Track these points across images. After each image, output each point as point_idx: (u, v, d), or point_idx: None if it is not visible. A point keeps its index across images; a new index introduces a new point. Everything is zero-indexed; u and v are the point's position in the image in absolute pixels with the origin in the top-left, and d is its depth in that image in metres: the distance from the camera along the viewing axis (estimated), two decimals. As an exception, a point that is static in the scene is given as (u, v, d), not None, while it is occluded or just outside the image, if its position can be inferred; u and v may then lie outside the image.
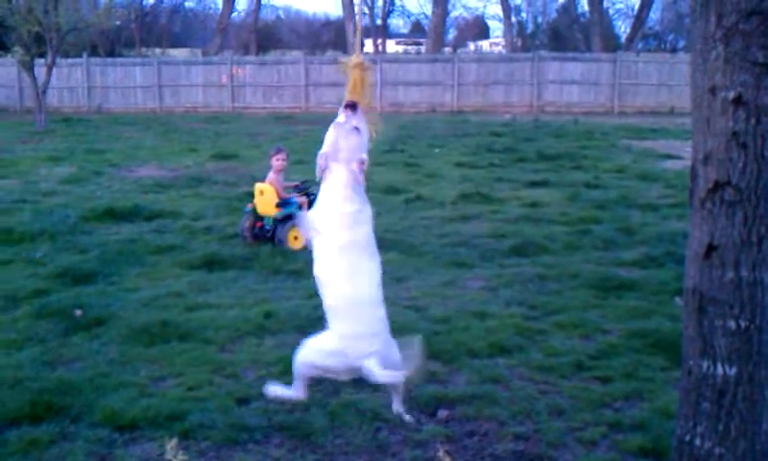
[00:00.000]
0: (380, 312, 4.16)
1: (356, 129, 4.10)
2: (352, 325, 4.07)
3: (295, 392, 4.35)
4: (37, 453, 4.09)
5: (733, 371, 2.89)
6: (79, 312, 6.25)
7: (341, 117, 4.12)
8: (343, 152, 4.06)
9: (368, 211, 4.18)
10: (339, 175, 4.07)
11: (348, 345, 4.05)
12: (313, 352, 4.19)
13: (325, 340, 4.17)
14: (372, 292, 4.14)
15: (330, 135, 4.11)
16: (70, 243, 8.72)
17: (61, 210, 10.51)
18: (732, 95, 2.76)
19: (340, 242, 4.06)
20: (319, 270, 4.15)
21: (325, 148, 4.09)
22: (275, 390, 4.46)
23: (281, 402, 4.58)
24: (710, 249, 2.89)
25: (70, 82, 32.68)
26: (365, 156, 4.09)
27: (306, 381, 4.32)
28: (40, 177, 14.06)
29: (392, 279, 6.54)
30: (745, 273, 2.83)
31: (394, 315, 5.53)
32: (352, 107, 4.10)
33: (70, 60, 32.02)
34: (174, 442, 4.14)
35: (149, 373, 5.15)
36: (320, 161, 4.10)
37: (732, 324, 2.87)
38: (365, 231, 4.13)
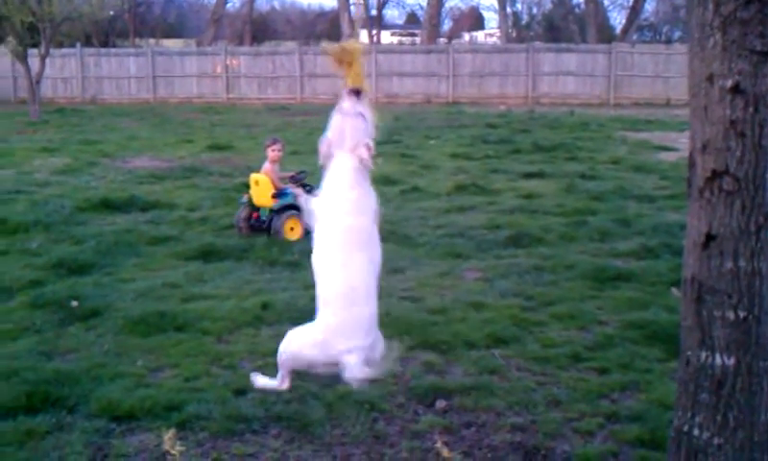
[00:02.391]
0: (371, 308, 3.98)
1: (361, 115, 4.02)
2: (340, 316, 3.90)
3: (279, 382, 4.29)
4: (34, 444, 4.09)
5: (732, 361, 2.89)
6: (75, 303, 6.24)
7: (345, 103, 4.03)
8: (348, 138, 3.97)
9: (372, 200, 4.06)
10: (344, 161, 3.98)
11: (333, 337, 3.89)
12: (296, 343, 4.08)
13: (310, 331, 4.04)
14: (365, 286, 3.96)
15: (336, 122, 4.02)
16: (65, 234, 8.70)
17: (56, 201, 10.48)
18: (729, 83, 2.75)
19: (340, 228, 3.94)
20: (315, 257, 4.08)
21: (330, 134, 4.02)
22: (260, 381, 4.43)
23: (277, 393, 4.59)
24: (709, 238, 2.88)
25: (64, 72, 32.54)
26: (371, 141, 4.01)
27: (290, 372, 4.25)
28: (35, 167, 14.01)
29: (388, 271, 6.49)
30: (743, 262, 2.83)
31: (389, 306, 5.55)
32: (357, 93, 4.01)
33: (64, 51, 31.89)
34: (171, 432, 4.13)
35: (146, 363, 5.15)
36: (322, 148, 4.04)
37: (730, 314, 2.87)
38: (366, 221, 4.00)
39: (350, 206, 3.96)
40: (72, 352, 5.35)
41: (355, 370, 3.87)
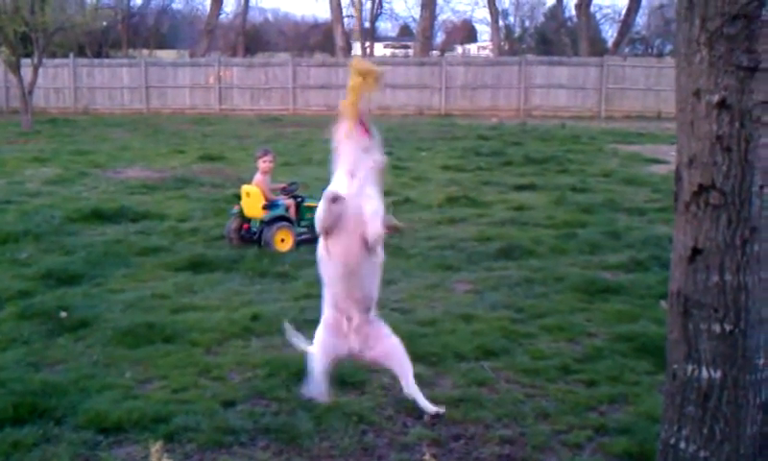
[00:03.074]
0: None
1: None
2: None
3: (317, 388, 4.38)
4: (20, 456, 4.06)
5: (718, 374, 2.90)
6: (64, 314, 6.21)
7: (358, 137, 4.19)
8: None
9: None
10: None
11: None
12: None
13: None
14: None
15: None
16: (55, 244, 8.68)
17: (47, 211, 10.45)
18: (716, 99, 2.77)
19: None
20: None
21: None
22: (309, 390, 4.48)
23: (266, 405, 4.58)
24: (695, 252, 2.90)
25: (56, 82, 32.52)
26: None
27: (323, 376, 4.34)
28: (26, 177, 13.98)
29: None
30: (729, 276, 2.84)
31: (380, 317, 5.53)
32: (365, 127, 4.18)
33: (57, 61, 31.83)
34: (158, 445, 4.11)
35: (134, 375, 5.12)
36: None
37: (716, 327, 2.88)
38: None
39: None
40: (60, 364, 5.32)
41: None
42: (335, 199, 4.01)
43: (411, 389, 4.48)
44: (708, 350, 2.91)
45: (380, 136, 4.30)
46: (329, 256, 4.19)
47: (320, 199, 4.23)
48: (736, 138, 2.76)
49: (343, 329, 4.34)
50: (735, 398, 2.91)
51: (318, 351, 4.39)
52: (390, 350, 4.43)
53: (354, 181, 4.15)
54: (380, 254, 4.26)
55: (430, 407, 4.49)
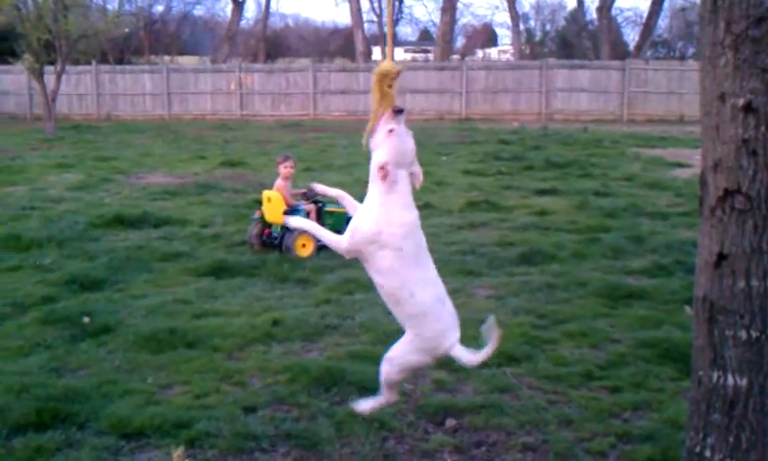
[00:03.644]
0: (450, 303, 4.14)
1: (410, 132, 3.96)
2: (437, 323, 4.00)
3: (387, 397, 4.13)
4: (43, 460, 4.08)
5: (744, 381, 2.86)
6: (86, 319, 6.25)
7: (391, 123, 3.94)
8: (403, 156, 3.90)
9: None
10: (402, 182, 3.92)
11: (437, 341, 4.00)
12: (401, 359, 4.03)
13: (409, 346, 4.02)
14: (443, 288, 4.11)
15: (390, 143, 3.86)
16: (78, 250, 8.74)
17: (70, 217, 10.54)
18: (741, 102, 2.73)
19: (412, 250, 3.97)
20: (390, 283, 3.97)
21: (388, 157, 3.85)
22: (366, 405, 4.20)
23: (287, 411, 4.58)
24: (721, 258, 2.86)
25: (79, 89, 32.86)
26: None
27: (398, 386, 4.18)
28: (49, 184, 14.11)
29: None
30: (756, 282, 2.80)
31: (401, 324, 5.51)
32: (400, 112, 3.94)
33: (79, 68, 32.16)
34: (180, 450, 4.12)
35: (156, 380, 5.14)
36: (384, 171, 3.85)
37: (742, 334, 2.83)
38: (422, 234, 4.08)
39: (415, 226, 3.99)
40: (83, 369, 5.35)
41: (470, 357, 4.04)
42: None
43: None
44: (734, 356, 2.86)
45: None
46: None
47: (341, 204, 4.20)
48: (762, 142, 2.72)
49: None
50: (762, 405, 2.87)
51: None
52: None
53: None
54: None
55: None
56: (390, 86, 3.91)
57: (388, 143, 3.84)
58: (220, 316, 6.45)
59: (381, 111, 3.88)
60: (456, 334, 4.04)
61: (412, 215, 3.98)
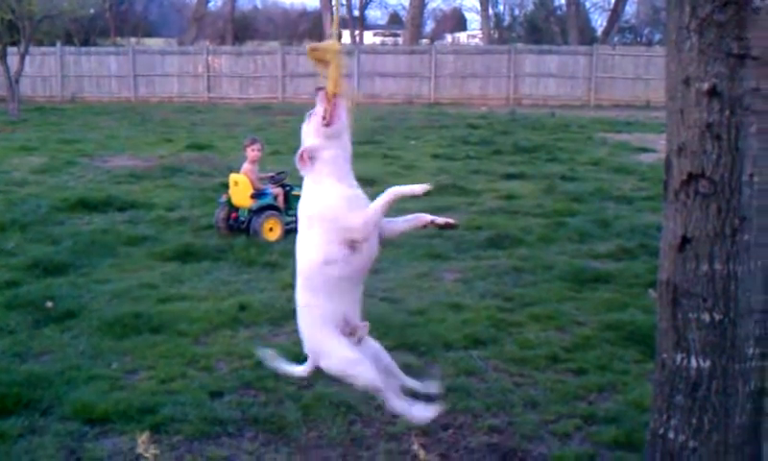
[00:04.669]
0: None
1: (318, 116, 3.80)
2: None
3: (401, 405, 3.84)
4: (6, 447, 4.02)
5: (707, 364, 2.89)
6: (50, 304, 6.16)
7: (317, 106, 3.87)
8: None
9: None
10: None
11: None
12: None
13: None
14: None
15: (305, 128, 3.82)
16: (41, 234, 8.61)
17: (33, 200, 10.37)
18: (706, 86, 2.75)
19: None
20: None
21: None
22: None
23: (254, 395, 4.57)
24: (684, 241, 2.88)
25: (43, 71, 32.29)
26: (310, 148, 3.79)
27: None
28: (12, 166, 13.86)
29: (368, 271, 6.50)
30: (719, 266, 2.83)
31: (369, 307, 5.50)
32: (329, 94, 3.84)
33: (44, 49, 31.61)
34: (145, 435, 4.10)
35: (120, 365, 5.09)
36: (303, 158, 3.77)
37: (705, 316, 2.87)
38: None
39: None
40: (46, 354, 5.28)
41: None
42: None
43: (407, 380, 4.12)
44: (698, 339, 2.90)
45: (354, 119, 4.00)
46: (351, 266, 3.75)
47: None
48: (726, 126, 2.74)
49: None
50: (724, 387, 2.90)
51: (357, 357, 3.75)
52: (378, 348, 4.04)
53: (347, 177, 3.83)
54: None
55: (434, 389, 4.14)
56: (326, 65, 3.82)
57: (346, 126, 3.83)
58: (186, 301, 6.40)
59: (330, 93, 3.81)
60: None
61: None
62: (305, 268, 3.80)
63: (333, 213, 3.69)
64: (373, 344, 3.99)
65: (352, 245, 3.72)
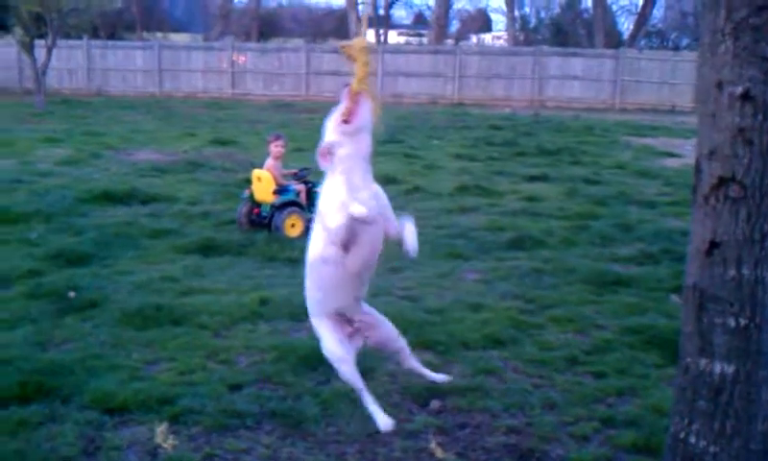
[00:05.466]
0: None
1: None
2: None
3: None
4: (26, 434, 4.05)
5: (731, 369, 2.86)
6: (72, 294, 6.21)
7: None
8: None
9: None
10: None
11: None
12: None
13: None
14: None
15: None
16: (65, 224, 8.68)
17: (58, 192, 10.46)
18: (739, 90, 2.71)
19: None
20: None
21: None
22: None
23: (273, 389, 4.57)
24: (713, 246, 2.85)
25: (70, 63, 32.54)
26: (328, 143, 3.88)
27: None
28: (38, 158, 13.99)
29: (387, 269, 6.51)
30: (747, 271, 2.79)
31: (388, 305, 5.52)
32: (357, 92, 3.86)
33: (70, 42, 31.83)
34: (164, 426, 4.11)
35: (141, 356, 5.11)
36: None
37: (731, 322, 2.83)
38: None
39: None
40: (67, 343, 5.32)
41: None
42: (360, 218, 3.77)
43: (413, 362, 4.47)
44: (722, 344, 2.86)
45: (374, 119, 3.96)
46: (345, 262, 3.92)
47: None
48: (759, 131, 2.71)
49: (346, 333, 4.23)
50: (748, 393, 2.87)
51: (341, 356, 4.13)
52: (385, 333, 4.35)
53: (360, 178, 3.89)
54: None
55: (437, 376, 4.54)
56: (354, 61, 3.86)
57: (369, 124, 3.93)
58: (207, 294, 6.42)
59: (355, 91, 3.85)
60: None
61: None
62: (308, 260, 4.09)
63: (324, 211, 3.90)
64: (383, 326, 4.30)
65: (345, 247, 3.87)
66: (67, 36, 30.63)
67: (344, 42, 3.99)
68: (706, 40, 2.82)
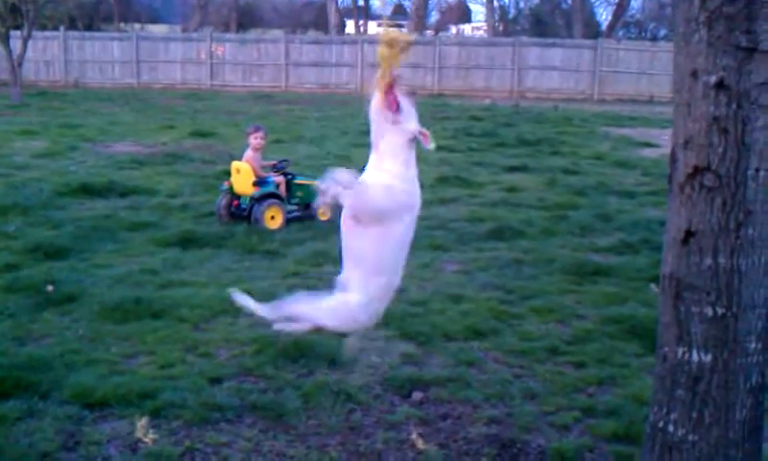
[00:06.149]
0: None
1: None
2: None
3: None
4: (4, 430, 4.02)
5: (709, 358, 2.88)
6: (50, 288, 6.16)
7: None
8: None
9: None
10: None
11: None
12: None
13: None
14: None
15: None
16: (43, 218, 8.60)
17: (35, 185, 10.37)
18: (713, 79, 2.73)
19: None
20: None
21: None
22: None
23: (253, 382, 4.56)
24: (688, 235, 2.86)
25: (46, 55, 32.21)
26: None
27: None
28: (14, 150, 13.84)
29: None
30: (723, 259, 2.81)
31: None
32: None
33: (47, 33, 31.52)
34: (144, 420, 4.10)
35: (120, 350, 5.08)
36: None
37: (708, 310, 2.85)
38: None
39: None
40: (46, 338, 5.28)
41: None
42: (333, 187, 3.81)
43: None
44: (700, 333, 2.88)
45: (414, 108, 4.10)
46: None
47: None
48: (733, 120, 2.72)
49: None
50: (725, 381, 2.89)
51: None
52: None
53: (376, 156, 4.06)
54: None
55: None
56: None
57: (413, 111, 3.97)
58: (187, 287, 6.39)
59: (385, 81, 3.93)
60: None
61: None
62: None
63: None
64: None
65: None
66: (44, 28, 30.31)
67: (391, 30, 4.03)
68: (680, 29, 2.83)
